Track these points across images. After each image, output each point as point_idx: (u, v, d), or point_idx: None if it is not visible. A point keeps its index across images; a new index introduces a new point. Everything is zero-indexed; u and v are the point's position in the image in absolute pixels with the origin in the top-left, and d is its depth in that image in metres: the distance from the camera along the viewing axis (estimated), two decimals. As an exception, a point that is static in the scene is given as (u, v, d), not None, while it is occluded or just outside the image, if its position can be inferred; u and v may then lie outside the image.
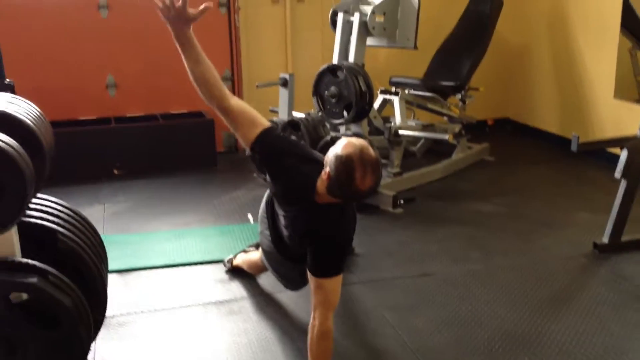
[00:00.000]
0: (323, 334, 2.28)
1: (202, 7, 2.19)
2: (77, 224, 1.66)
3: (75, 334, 1.43)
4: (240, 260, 3.28)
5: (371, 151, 2.18)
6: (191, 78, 2.30)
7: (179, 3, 2.15)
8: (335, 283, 2.31)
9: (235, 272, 3.33)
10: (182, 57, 2.27)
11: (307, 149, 2.48)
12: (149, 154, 5.10)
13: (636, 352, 2.58)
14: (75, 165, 4.83)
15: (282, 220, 2.49)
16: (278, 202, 2.48)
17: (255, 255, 3.11)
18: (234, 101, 2.37)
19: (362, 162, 2.14)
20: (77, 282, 1.47)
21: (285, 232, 2.49)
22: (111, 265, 3.37)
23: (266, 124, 2.35)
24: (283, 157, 2.33)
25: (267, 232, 2.70)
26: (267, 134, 2.33)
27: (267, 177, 2.42)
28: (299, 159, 2.33)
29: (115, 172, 5.03)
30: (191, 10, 2.18)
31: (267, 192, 2.74)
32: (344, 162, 2.14)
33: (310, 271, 2.32)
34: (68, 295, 1.43)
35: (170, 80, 5.38)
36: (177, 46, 2.25)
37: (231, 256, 3.39)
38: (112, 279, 3.28)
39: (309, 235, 2.32)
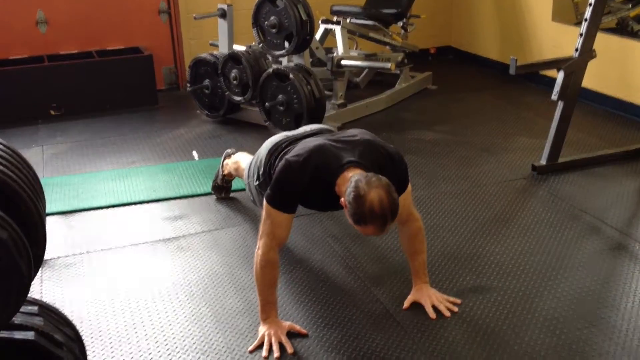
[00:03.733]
0: (267, 263, 2.30)
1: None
2: (8, 156, 1.61)
3: (15, 267, 1.41)
4: (230, 165, 3.27)
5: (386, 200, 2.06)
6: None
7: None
8: (286, 218, 2.32)
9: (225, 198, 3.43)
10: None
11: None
12: (87, 92, 4.94)
13: (572, 269, 2.70)
14: (8, 106, 4.67)
15: None
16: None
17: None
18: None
19: (373, 214, 2.06)
20: (12, 217, 1.44)
21: None
22: (54, 207, 3.34)
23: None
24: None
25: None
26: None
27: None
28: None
29: (52, 112, 4.88)
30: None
31: (273, 142, 2.68)
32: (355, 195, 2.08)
33: (266, 197, 2.33)
34: (4, 229, 1.40)
35: (105, 15, 5.20)
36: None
37: (216, 178, 3.40)
38: (55, 220, 3.24)
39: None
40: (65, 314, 1.86)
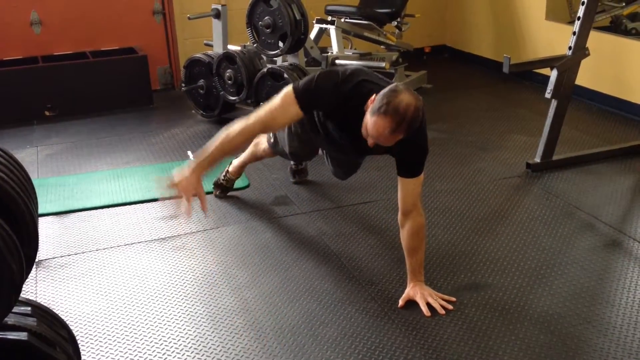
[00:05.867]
0: (241, 134, 2.44)
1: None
2: (-1, 157, 1.61)
3: (5, 267, 1.41)
4: (236, 162, 3.35)
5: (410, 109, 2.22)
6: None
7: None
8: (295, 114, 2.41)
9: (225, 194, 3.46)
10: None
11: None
12: (82, 93, 4.92)
13: (567, 266, 2.71)
14: (3, 107, 4.66)
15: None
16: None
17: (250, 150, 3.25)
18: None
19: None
20: (3, 216, 1.44)
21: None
22: (48, 208, 3.33)
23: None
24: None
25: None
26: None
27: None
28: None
29: (47, 113, 4.86)
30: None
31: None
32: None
33: (293, 84, 2.40)
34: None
35: (99, 15, 5.20)
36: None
37: (220, 177, 3.44)
38: (49, 221, 3.24)
39: None
40: (60, 314, 1.86)
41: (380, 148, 2.38)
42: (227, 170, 3.42)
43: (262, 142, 3.19)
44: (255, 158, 3.34)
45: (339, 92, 2.38)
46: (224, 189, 3.45)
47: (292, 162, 3.53)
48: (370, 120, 2.24)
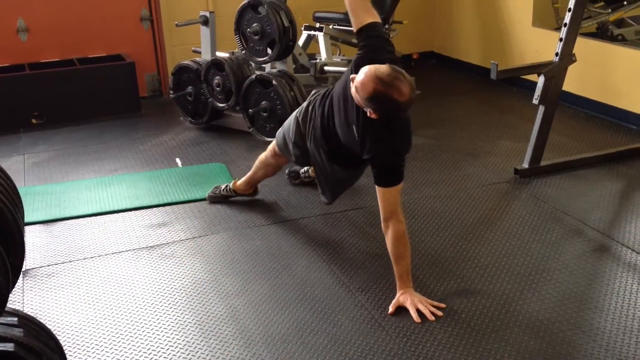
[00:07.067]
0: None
1: None
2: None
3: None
4: (244, 178, 3.36)
5: (381, 68, 2.38)
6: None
7: None
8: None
9: (219, 201, 3.45)
10: None
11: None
12: (69, 100, 4.90)
13: (556, 271, 2.72)
14: (-11, 115, 4.62)
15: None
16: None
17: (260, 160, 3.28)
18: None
19: (388, 85, 2.36)
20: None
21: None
22: (35, 216, 3.31)
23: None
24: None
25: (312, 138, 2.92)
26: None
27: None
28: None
29: (34, 121, 4.83)
30: None
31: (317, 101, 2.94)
32: (378, 98, 2.38)
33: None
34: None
35: (86, 22, 5.17)
36: None
37: (219, 188, 3.44)
38: (36, 230, 3.21)
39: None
40: (47, 324, 1.84)
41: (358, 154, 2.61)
42: (232, 187, 3.41)
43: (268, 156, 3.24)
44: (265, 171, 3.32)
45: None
46: (222, 198, 3.45)
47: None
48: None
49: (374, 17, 2.66)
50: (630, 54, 4.39)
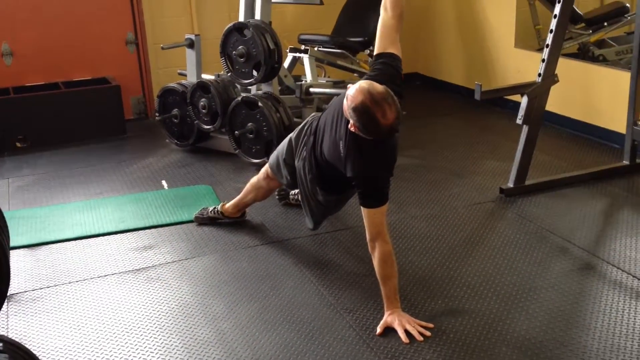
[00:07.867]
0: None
1: None
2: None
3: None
4: (232, 201, 3.36)
5: (378, 87, 2.41)
6: None
7: None
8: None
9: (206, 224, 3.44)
10: None
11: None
12: (54, 124, 4.89)
13: (542, 289, 2.73)
14: (-27, 139, 4.59)
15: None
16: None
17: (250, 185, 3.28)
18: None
19: (375, 103, 2.37)
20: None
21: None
22: (20, 241, 3.28)
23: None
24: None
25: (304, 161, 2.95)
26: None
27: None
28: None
29: (18, 144, 4.81)
30: None
31: (311, 122, 2.99)
32: (361, 111, 2.39)
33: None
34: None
35: (71, 46, 5.18)
36: None
37: (207, 210, 3.44)
38: (21, 254, 3.18)
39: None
40: (32, 349, 1.82)
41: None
42: (220, 210, 3.41)
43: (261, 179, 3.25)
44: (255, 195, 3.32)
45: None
46: (209, 219, 3.44)
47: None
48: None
49: (398, 51, 2.84)
50: (611, 74, 4.46)
